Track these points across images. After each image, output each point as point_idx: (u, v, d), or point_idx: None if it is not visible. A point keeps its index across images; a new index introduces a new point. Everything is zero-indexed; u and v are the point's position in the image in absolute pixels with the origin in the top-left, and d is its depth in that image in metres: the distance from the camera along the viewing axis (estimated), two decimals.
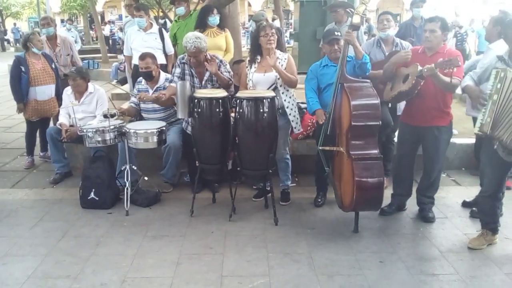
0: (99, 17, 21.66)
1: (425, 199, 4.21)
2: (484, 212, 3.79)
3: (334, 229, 4.10)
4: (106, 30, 22.31)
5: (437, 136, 3.99)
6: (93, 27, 25.83)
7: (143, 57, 4.82)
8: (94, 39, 25.24)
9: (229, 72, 4.53)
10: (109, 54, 16.66)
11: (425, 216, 4.18)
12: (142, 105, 4.92)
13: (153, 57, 4.84)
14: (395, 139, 4.75)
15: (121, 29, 22.42)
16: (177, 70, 4.50)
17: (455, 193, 4.76)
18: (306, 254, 3.65)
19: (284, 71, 4.18)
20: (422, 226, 4.11)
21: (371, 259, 3.58)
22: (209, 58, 4.35)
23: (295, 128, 4.36)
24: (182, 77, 4.46)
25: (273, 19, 14.35)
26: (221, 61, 4.51)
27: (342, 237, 3.94)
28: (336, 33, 4.10)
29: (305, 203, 4.62)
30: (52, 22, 6.05)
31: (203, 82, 4.46)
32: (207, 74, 4.44)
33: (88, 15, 26.12)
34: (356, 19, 3.93)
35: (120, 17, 36.26)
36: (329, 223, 4.22)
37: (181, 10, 5.94)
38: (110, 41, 20.98)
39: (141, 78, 4.95)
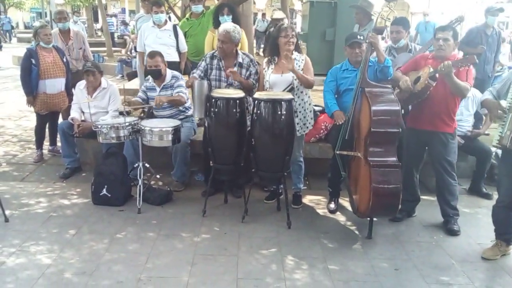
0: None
1: (449, 210, 4.17)
2: (499, 222, 3.77)
3: (347, 234, 4.09)
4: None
5: (445, 143, 4.01)
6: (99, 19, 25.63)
7: (152, 55, 4.80)
8: (98, 32, 25.17)
9: (256, 73, 4.49)
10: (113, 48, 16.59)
11: (450, 229, 4.12)
12: (151, 102, 4.91)
13: (162, 55, 4.83)
14: None
15: (124, 23, 22.37)
16: (202, 64, 4.50)
17: (467, 202, 4.76)
18: (320, 258, 3.64)
19: (301, 74, 4.16)
20: (436, 234, 4.11)
21: (386, 266, 3.57)
22: (231, 71, 4.31)
23: (298, 131, 4.27)
24: (206, 72, 4.46)
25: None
26: (251, 60, 4.52)
27: (356, 242, 3.93)
28: (358, 36, 4.08)
29: (317, 206, 4.62)
30: (68, 17, 6.02)
31: (230, 77, 4.40)
32: (234, 69, 4.38)
33: (92, 7, 25.98)
34: (380, 23, 3.93)
35: (123, 11, 36.13)
36: (342, 227, 4.22)
37: (199, 8, 5.95)
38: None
39: (149, 76, 4.91)
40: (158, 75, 4.81)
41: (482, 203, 4.78)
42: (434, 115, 3.96)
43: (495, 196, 4.68)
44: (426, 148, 4.21)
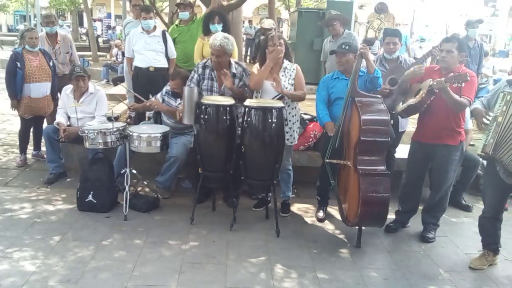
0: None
1: (429, 218, 4.21)
2: (486, 232, 3.81)
3: (336, 243, 4.08)
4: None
5: (446, 156, 3.98)
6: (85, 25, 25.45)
7: (174, 77, 4.77)
8: (83, 36, 25.00)
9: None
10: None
11: (424, 236, 4.17)
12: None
13: (184, 78, 4.66)
14: (396, 155, 4.79)
15: (110, 27, 22.27)
16: (195, 76, 4.41)
17: (454, 212, 4.80)
18: (310, 268, 3.62)
19: (293, 93, 4.20)
20: (424, 244, 4.12)
21: (375, 276, 3.57)
22: (224, 72, 4.26)
23: (287, 140, 4.28)
24: (199, 82, 4.40)
25: None
26: (244, 69, 4.46)
27: (345, 251, 3.92)
28: (343, 46, 4.11)
29: (306, 214, 4.61)
30: (56, 21, 5.95)
31: (222, 87, 4.36)
32: (228, 72, 4.31)
33: (77, 11, 25.79)
34: (370, 34, 3.95)
35: (109, 15, 35.94)
36: (331, 236, 4.21)
37: (186, 15, 5.91)
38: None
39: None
40: (177, 96, 4.75)
41: (469, 213, 4.82)
42: (437, 129, 3.94)
43: (475, 207, 4.77)
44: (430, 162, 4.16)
